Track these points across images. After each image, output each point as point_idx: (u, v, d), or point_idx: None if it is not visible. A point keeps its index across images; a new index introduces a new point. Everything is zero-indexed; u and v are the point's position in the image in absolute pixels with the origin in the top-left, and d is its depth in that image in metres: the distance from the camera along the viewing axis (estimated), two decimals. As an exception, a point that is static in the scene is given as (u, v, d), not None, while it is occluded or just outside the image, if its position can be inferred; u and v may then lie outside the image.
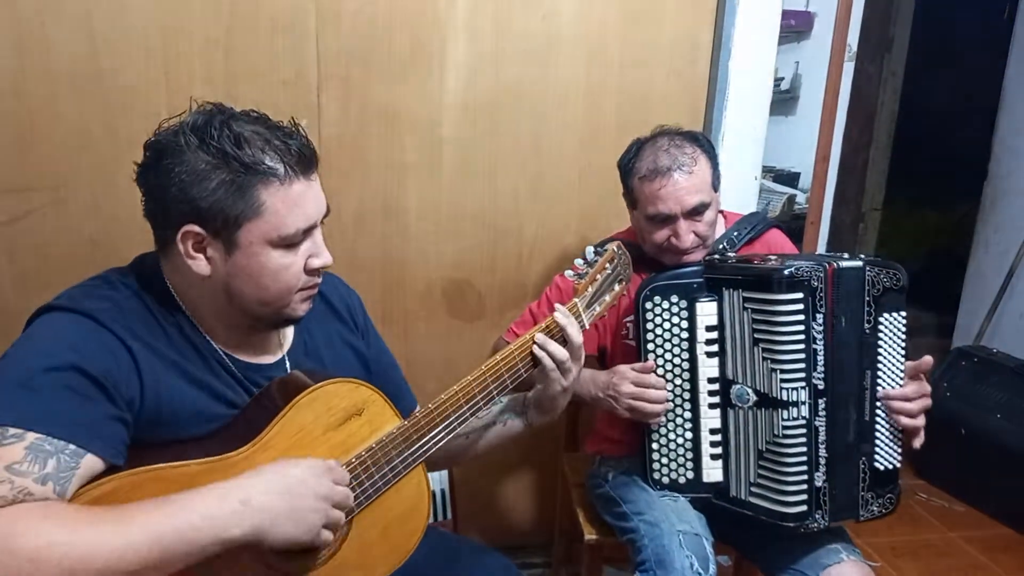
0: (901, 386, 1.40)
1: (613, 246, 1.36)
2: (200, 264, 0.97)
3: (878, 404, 1.40)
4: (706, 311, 1.44)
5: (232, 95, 1.73)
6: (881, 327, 1.39)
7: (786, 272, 1.35)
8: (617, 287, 1.37)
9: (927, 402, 1.41)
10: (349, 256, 1.88)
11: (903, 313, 1.41)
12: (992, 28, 3.61)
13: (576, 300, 1.30)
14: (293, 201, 0.97)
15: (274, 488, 0.91)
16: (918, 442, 1.41)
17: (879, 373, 1.40)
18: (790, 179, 3.22)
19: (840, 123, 3.04)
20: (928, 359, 1.40)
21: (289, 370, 1.12)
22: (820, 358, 1.36)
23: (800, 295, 1.34)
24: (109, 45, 1.66)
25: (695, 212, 1.48)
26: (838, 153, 3.14)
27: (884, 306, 1.39)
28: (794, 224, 2.78)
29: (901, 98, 4.25)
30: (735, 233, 1.63)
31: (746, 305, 1.40)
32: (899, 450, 1.42)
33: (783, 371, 1.36)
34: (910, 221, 4.77)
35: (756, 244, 1.65)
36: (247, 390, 1.07)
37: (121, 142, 1.70)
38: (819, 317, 1.35)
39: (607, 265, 1.35)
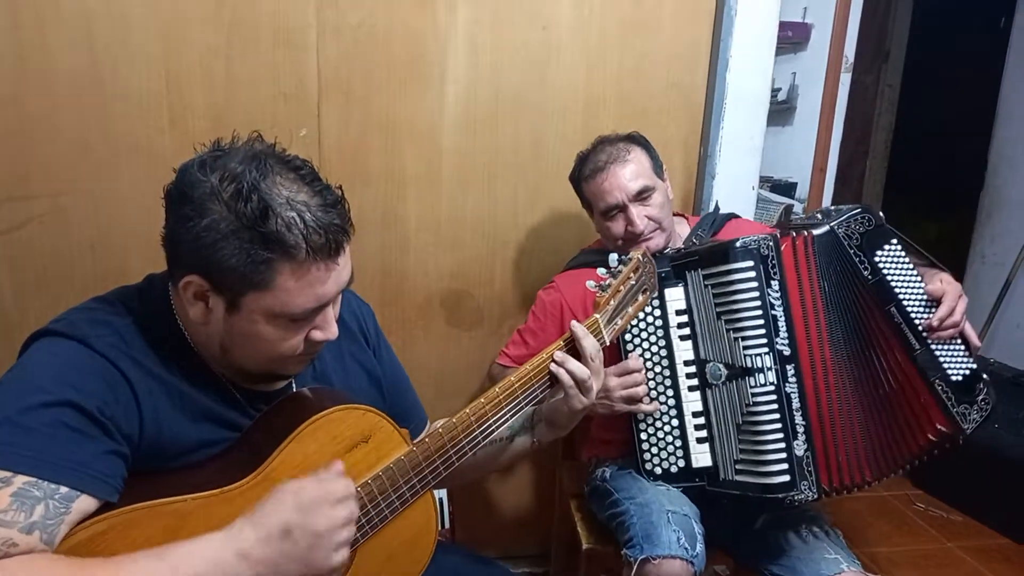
0: (927, 301, 1.45)
1: (638, 254, 1.33)
2: (198, 311, 0.94)
3: (921, 328, 1.44)
4: (674, 296, 1.52)
5: (233, 105, 1.74)
6: (881, 265, 1.45)
7: (737, 244, 1.44)
8: (641, 297, 1.33)
9: (964, 302, 1.46)
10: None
11: (893, 241, 1.47)
12: (988, 39, 3.63)
13: (596, 316, 1.23)
14: (307, 282, 0.91)
15: (271, 536, 0.87)
16: (975, 340, 1.48)
17: (904, 303, 1.45)
18: (787, 189, 3.23)
19: (837, 134, 3.06)
20: (937, 287, 1.46)
21: None
22: (782, 324, 1.42)
23: (750, 263, 1.43)
24: (110, 54, 1.67)
25: (641, 196, 1.60)
26: (835, 163, 3.15)
27: (872, 247, 1.45)
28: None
29: (898, 109, 4.27)
30: (699, 231, 1.71)
31: (706, 282, 1.48)
32: (966, 354, 1.46)
33: (744, 339, 1.43)
34: (907, 231, 4.73)
35: (720, 236, 1.71)
36: (251, 417, 1.04)
37: (120, 151, 1.71)
38: (774, 284, 1.43)
39: (631, 275, 1.30)
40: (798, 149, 3.22)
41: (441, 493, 1.91)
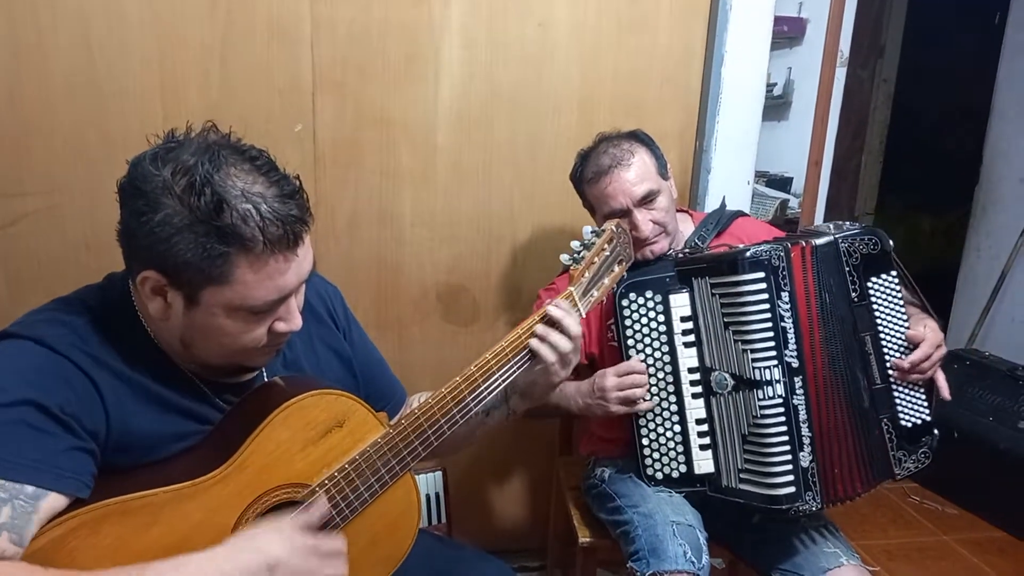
0: (904, 342, 1.44)
1: (611, 224, 1.31)
2: (157, 307, 0.92)
3: (888, 364, 1.43)
4: (679, 302, 1.48)
5: (228, 101, 1.74)
6: (871, 291, 1.43)
7: (747, 254, 1.40)
8: (617, 268, 1.32)
9: (941, 352, 1.44)
10: (344, 262, 1.89)
11: (892, 273, 1.44)
12: (983, 34, 3.63)
13: (571, 289, 1.22)
14: (266, 275, 0.90)
15: (256, 570, 0.87)
16: (946, 392, 1.45)
17: (880, 335, 1.43)
18: (783, 184, 3.23)
19: (832, 128, 3.06)
20: (915, 332, 1.44)
21: None
22: (791, 336, 1.39)
23: (761, 274, 1.39)
24: (105, 51, 1.66)
25: (646, 201, 1.54)
26: (830, 158, 3.15)
27: (869, 271, 1.43)
28: (787, 229, 2.79)
29: (893, 103, 4.27)
30: (703, 230, 1.67)
31: (714, 291, 1.44)
32: (925, 403, 1.45)
33: (753, 351, 1.40)
34: (902, 226, 4.78)
35: (725, 236, 1.69)
36: (219, 408, 1.03)
37: (116, 148, 1.71)
38: (784, 295, 1.39)
39: (605, 246, 1.28)
40: (793, 144, 3.22)
41: (437, 487, 1.92)
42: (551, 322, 1.17)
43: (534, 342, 1.16)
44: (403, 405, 1.33)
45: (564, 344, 1.16)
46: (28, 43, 1.62)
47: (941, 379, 1.46)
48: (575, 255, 1.26)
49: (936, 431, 1.45)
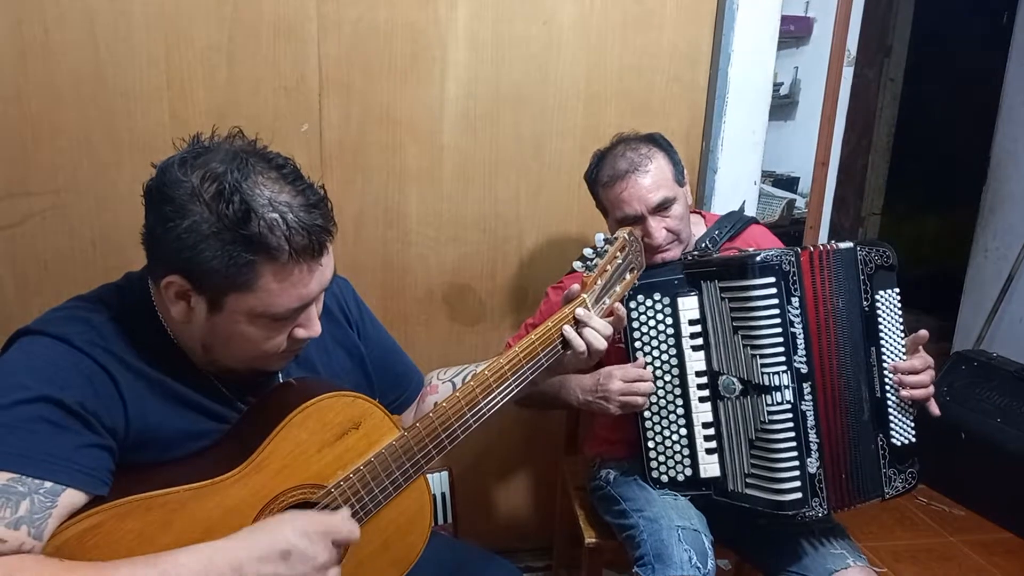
0: (902, 356, 1.44)
1: (624, 233, 1.31)
2: (179, 310, 0.93)
3: (887, 380, 1.43)
4: (688, 305, 1.47)
5: (234, 101, 1.74)
6: (878, 304, 1.43)
7: (758, 258, 1.39)
8: (628, 276, 1.32)
9: (932, 373, 1.44)
10: (350, 261, 1.89)
11: (896, 290, 1.45)
12: (991, 34, 3.62)
13: (584, 296, 1.22)
14: (290, 283, 0.91)
15: (269, 556, 0.87)
16: (935, 409, 1.44)
17: (883, 349, 1.43)
18: (789, 184, 3.23)
19: (839, 128, 3.05)
20: (923, 332, 1.43)
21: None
22: (800, 341, 1.38)
23: (772, 279, 1.37)
24: (111, 51, 1.67)
25: (661, 208, 1.52)
26: (837, 158, 3.14)
27: (878, 284, 1.43)
28: (793, 229, 2.79)
29: (900, 103, 4.26)
30: (716, 232, 1.65)
31: (723, 295, 1.43)
32: (913, 425, 1.44)
33: (763, 356, 1.38)
34: (909, 226, 4.77)
35: (737, 241, 1.67)
36: (236, 408, 1.04)
37: (123, 147, 1.71)
38: (794, 301, 1.38)
39: (618, 254, 1.28)
40: (800, 143, 3.22)
41: (444, 487, 1.92)
42: (578, 323, 1.21)
43: (570, 332, 1.19)
44: (422, 387, 1.35)
45: (598, 343, 1.20)
46: (35, 43, 1.63)
47: (932, 401, 1.46)
48: (587, 262, 1.26)
49: (917, 457, 1.46)
